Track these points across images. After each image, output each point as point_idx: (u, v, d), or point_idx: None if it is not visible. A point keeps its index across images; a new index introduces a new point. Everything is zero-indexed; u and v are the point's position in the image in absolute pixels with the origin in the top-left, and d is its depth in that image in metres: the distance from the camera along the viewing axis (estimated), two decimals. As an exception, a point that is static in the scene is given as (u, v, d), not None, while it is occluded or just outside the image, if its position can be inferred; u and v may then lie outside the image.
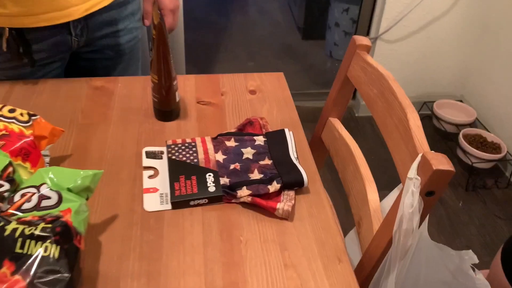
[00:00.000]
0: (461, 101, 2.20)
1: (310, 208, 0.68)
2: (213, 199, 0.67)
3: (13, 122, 0.65)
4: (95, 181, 0.59)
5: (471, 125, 2.07)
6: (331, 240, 0.63)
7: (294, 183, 0.68)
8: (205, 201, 0.67)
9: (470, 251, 0.62)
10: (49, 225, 0.49)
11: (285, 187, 0.67)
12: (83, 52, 0.98)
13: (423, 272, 0.63)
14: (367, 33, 2.14)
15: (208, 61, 2.80)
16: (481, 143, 1.91)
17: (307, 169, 0.72)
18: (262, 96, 0.91)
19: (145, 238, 0.62)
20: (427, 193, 0.52)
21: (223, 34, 3.14)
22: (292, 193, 0.67)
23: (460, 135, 1.93)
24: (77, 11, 0.88)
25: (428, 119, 2.21)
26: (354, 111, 2.33)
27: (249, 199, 0.66)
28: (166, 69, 0.76)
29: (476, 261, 0.62)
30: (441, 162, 0.50)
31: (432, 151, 0.52)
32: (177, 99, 0.82)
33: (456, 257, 0.59)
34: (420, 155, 0.52)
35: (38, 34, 0.88)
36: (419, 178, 0.51)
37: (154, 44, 0.73)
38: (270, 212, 0.66)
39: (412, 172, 0.53)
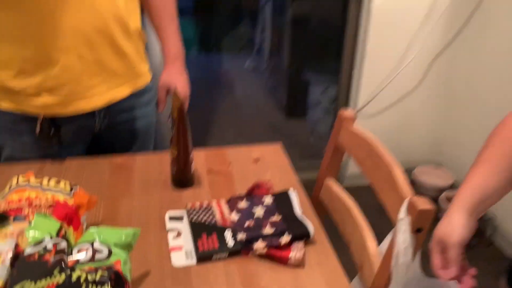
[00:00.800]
0: (440, 165, 2.37)
1: (318, 257, 0.78)
2: (233, 253, 0.77)
3: (59, 193, 0.75)
4: (135, 239, 0.69)
5: (452, 187, 2.21)
6: (339, 284, 0.72)
7: (302, 235, 0.78)
8: (225, 255, 0.76)
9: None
10: (106, 272, 0.58)
11: (294, 238, 0.78)
12: (104, 134, 1.11)
13: None
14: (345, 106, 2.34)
15: (201, 140, 2.97)
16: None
17: (311, 223, 0.83)
18: (264, 164, 1.04)
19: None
20: (416, 230, 0.64)
21: (213, 116, 3.34)
22: (301, 243, 0.78)
23: (442, 197, 2.06)
24: (101, 101, 1.02)
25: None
26: (340, 181, 2.47)
27: (264, 251, 0.76)
28: (184, 144, 0.89)
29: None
30: (424, 203, 0.63)
31: (417, 196, 0.65)
32: (193, 170, 0.94)
33: (445, 286, 0.69)
34: (406, 199, 0.65)
35: (67, 119, 1.01)
36: (408, 217, 0.63)
37: (175, 124, 0.87)
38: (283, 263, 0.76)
39: (402, 213, 0.64)
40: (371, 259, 0.76)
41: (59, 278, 0.56)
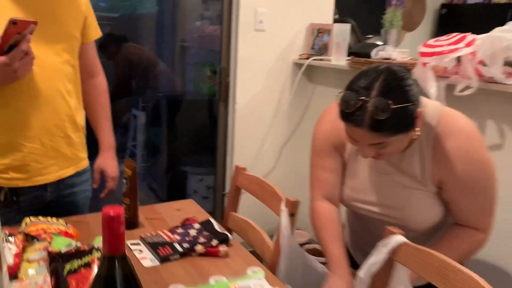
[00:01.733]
0: (298, 229, 2.98)
1: (236, 251, 1.23)
2: (183, 254, 1.18)
3: (60, 225, 1.10)
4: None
5: (308, 243, 2.82)
6: (254, 263, 1.18)
7: (224, 239, 1.24)
8: (178, 256, 1.17)
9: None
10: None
11: (220, 241, 1.22)
12: (52, 205, 1.41)
13: (300, 271, 1.21)
14: (223, 190, 2.87)
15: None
16: None
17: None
18: (185, 211, 1.48)
19: (153, 279, 1.08)
20: (290, 215, 1.15)
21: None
22: (224, 245, 1.22)
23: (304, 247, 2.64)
24: (53, 178, 1.36)
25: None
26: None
27: (203, 251, 1.19)
28: (134, 196, 1.30)
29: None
30: (293, 199, 1.16)
31: (289, 196, 1.18)
32: (139, 215, 1.34)
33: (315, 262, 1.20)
34: (284, 198, 1.17)
35: (25, 190, 1.31)
36: (285, 208, 1.15)
37: (128, 181, 1.28)
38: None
39: (282, 207, 1.16)
40: (268, 245, 1.24)
41: (97, 254, 0.92)
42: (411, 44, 3.51)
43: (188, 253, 1.18)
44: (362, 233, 1.33)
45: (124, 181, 1.30)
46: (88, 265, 0.89)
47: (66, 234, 1.06)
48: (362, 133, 1.04)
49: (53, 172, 1.34)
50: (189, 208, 1.51)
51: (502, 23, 1.61)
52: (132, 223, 1.32)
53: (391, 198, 1.21)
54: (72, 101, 1.35)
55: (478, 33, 1.66)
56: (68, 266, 0.90)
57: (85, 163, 1.47)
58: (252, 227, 1.34)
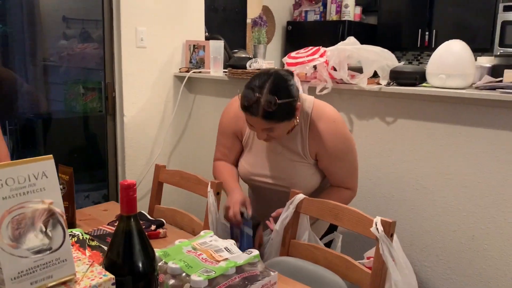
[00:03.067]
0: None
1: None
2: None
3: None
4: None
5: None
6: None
7: (160, 224, 1.47)
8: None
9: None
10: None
11: (157, 227, 1.46)
12: None
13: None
14: (118, 200, 2.99)
15: None
16: None
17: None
18: (113, 211, 1.66)
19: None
20: (216, 193, 1.45)
21: None
22: (161, 228, 1.46)
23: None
24: None
25: None
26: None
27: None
28: (72, 199, 1.46)
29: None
30: (217, 181, 1.46)
31: (212, 180, 1.48)
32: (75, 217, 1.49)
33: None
34: (209, 182, 1.47)
35: None
36: (211, 189, 1.45)
37: (66, 186, 1.44)
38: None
39: (209, 188, 1.45)
40: (197, 222, 1.52)
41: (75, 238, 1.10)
42: (269, 56, 4.08)
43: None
44: (260, 203, 1.70)
45: (61, 186, 1.44)
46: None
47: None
48: (257, 121, 1.43)
49: None
50: (115, 208, 1.70)
51: (335, 36, 2.09)
52: (71, 223, 1.47)
53: (281, 170, 1.61)
54: None
55: (318, 45, 2.20)
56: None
57: None
58: (179, 212, 1.60)
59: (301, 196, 1.41)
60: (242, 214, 1.46)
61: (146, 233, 1.41)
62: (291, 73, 1.50)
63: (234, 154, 1.71)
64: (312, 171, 1.60)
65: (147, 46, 2.79)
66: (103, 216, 1.60)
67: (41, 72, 4.07)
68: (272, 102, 1.38)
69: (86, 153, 3.68)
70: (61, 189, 1.45)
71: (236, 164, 1.72)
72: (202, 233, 1.17)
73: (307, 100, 1.58)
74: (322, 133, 1.55)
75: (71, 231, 1.17)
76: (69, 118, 3.86)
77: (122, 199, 0.85)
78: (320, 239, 1.58)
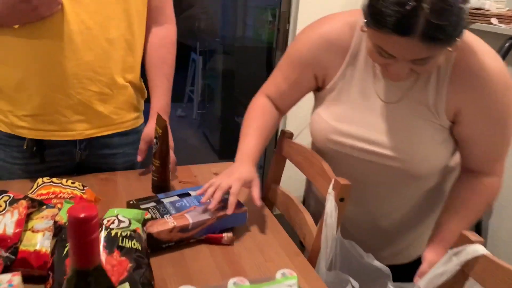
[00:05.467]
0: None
1: (272, 232, 1.06)
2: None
3: (75, 189, 0.97)
4: (142, 217, 0.92)
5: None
6: (290, 246, 1.01)
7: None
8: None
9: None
10: (132, 232, 0.82)
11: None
12: (86, 164, 1.28)
13: (346, 269, 1.02)
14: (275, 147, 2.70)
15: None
16: None
17: (265, 214, 1.12)
18: (223, 176, 1.32)
19: (172, 256, 0.95)
20: (340, 199, 0.95)
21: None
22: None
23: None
24: (81, 135, 1.20)
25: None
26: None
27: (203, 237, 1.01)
28: (165, 157, 1.15)
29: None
30: (344, 181, 0.95)
31: (339, 177, 0.97)
32: (169, 179, 1.20)
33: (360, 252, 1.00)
34: (333, 179, 0.97)
35: (51, 142, 1.18)
36: (333, 191, 0.95)
37: (159, 140, 1.13)
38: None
39: (330, 189, 0.96)
40: (310, 229, 1.06)
41: (102, 233, 0.79)
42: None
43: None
44: None
45: (155, 140, 1.15)
46: (90, 246, 0.76)
47: (80, 200, 0.94)
48: (409, 45, 0.82)
49: (80, 130, 1.18)
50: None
51: None
52: (161, 187, 1.19)
53: (391, 132, 1.00)
54: (118, 51, 1.15)
55: None
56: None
57: (130, 124, 1.28)
58: (295, 205, 1.15)
59: (477, 249, 0.79)
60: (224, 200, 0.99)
61: (205, 236, 0.96)
62: None
63: (292, 98, 1.17)
64: (442, 138, 1.00)
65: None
66: (208, 180, 1.27)
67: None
68: (442, 9, 0.77)
69: (248, 88, 3.44)
70: (154, 144, 1.16)
71: (282, 114, 1.22)
72: (279, 274, 0.72)
73: None
74: (473, 73, 0.93)
75: (115, 215, 0.86)
76: (254, 47, 3.64)
77: (72, 242, 0.47)
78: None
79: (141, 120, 1.34)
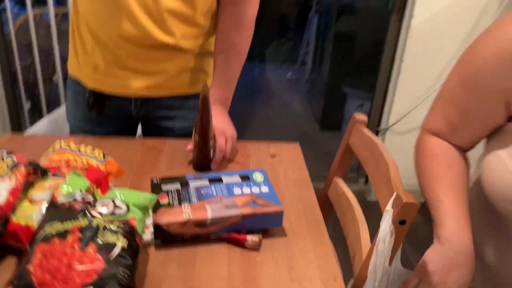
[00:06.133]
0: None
1: (314, 242, 0.84)
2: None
3: (93, 159, 0.87)
4: (152, 203, 0.78)
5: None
6: (329, 266, 0.79)
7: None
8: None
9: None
10: (121, 224, 0.68)
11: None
12: (143, 123, 1.24)
13: None
14: (378, 124, 2.38)
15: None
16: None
17: (314, 216, 0.90)
18: (280, 160, 1.12)
19: (182, 252, 0.80)
20: (400, 222, 0.70)
21: (248, 122, 3.45)
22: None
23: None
24: (135, 93, 1.14)
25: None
26: (366, 195, 2.50)
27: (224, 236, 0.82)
28: (206, 132, 0.99)
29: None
30: (409, 198, 0.69)
31: (404, 191, 0.71)
32: (211, 156, 1.03)
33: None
34: (395, 193, 0.71)
35: (110, 96, 1.16)
36: (392, 209, 0.69)
37: (199, 112, 0.97)
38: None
39: (388, 205, 0.71)
40: (362, 249, 0.82)
41: (82, 222, 0.66)
42: None
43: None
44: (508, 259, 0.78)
45: (197, 112, 0.99)
46: (63, 235, 0.64)
47: (93, 173, 0.83)
48: None
49: (135, 88, 1.13)
50: (288, 155, 1.15)
51: None
52: (200, 165, 1.03)
53: None
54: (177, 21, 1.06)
55: None
56: (47, 229, 0.66)
57: (189, 88, 1.18)
58: (352, 211, 0.91)
59: None
60: None
61: (226, 235, 0.77)
62: None
63: (473, 136, 0.81)
64: None
65: None
66: (261, 162, 1.09)
67: None
68: None
69: (361, 52, 3.06)
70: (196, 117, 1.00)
71: (463, 154, 0.82)
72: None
73: None
74: None
75: (112, 197, 0.72)
76: (368, 7, 3.23)
77: None
78: None
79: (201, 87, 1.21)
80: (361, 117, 0.97)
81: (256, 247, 0.81)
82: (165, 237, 0.80)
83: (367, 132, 0.92)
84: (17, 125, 2.38)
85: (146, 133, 1.27)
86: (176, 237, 0.80)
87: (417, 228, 2.10)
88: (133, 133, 1.29)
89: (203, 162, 1.03)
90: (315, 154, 2.90)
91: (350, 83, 3.04)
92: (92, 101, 1.17)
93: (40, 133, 1.43)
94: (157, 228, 0.78)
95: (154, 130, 1.23)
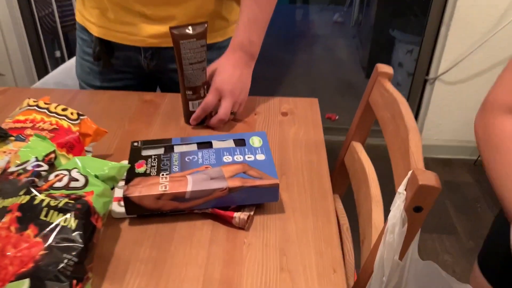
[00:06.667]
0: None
1: (316, 221, 0.71)
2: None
3: (63, 119, 0.76)
4: (121, 173, 0.67)
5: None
6: (330, 252, 0.65)
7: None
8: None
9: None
10: (72, 201, 0.57)
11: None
12: (154, 75, 1.12)
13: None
14: (426, 73, 2.12)
15: (271, 90, 2.91)
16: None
17: (321, 188, 0.76)
18: (292, 119, 0.97)
19: (160, 230, 0.69)
20: (415, 208, 0.54)
21: (287, 69, 3.25)
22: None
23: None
24: (144, 42, 1.03)
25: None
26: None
27: (209, 211, 0.71)
28: (182, 80, 0.86)
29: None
30: (428, 179, 0.52)
31: (423, 169, 0.54)
32: (191, 109, 0.90)
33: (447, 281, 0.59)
34: (410, 171, 0.55)
35: (118, 45, 1.05)
36: (405, 193, 0.53)
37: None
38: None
39: (402, 187, 0.55)
40: (372, 234, 0.67)
41: (23, 199, 0.56)
42: None
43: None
44: None
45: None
46: (0, 214, 0.54)
47: (61, 135, 0.72)
48: None
49: (143, 36, 1.02)
50: (302, 113, 0.99)
51: None
52: (186, 118, 0.90)
53: None
54: None
55: None
56: (-12, 203, 0.57)
57: (214, 38, 1.05)
58: (367, 184, 0.75)
59: None
60: None
61: (211, 210, 0.65)
62: None
63: None
64: None
65: None
66: (270, 123, 0.95)
67: None
68: None
69: None
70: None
71: None
72: None
73: None
74: None
75: (70, 168, 0.61)
76: None
77: None
78: None
79: (226, 35, 1.07)
80: (385, 68, 0.79)
81: (243, 226, 0.69)
82: (138, 212, 0.69)
83: (391, 89, 0.74)
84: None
85: (162, 90, 1.17)
86: (152, 212, 0.69)
87: (465, 189, 1.89)
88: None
89: (186, 113, 0.91)
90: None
91: (400, 26, 2.73)
92: (98, 50, 1.06)
93: (47, 87, 1.35)
94: (128, 201, 0.67)
95: (169, 86, 1.12)
